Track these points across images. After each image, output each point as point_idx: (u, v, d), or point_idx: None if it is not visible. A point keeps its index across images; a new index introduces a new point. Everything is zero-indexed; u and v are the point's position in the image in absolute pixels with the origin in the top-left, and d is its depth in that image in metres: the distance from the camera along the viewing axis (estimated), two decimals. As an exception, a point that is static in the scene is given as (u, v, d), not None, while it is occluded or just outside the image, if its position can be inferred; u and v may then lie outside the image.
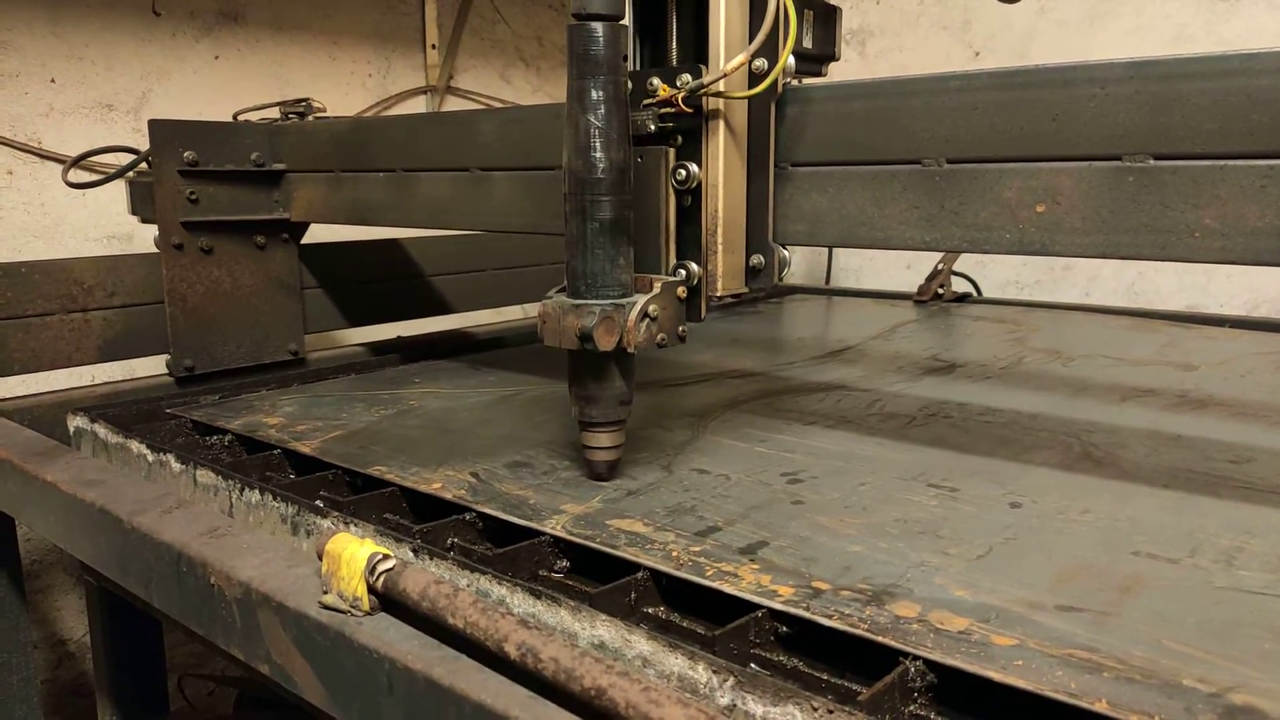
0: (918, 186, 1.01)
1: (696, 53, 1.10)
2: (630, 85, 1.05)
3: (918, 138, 1.01)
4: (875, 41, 3.30)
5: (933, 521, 0.98)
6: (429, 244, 2.08)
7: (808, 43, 1.19)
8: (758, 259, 1.14)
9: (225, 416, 1.43)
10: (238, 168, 1.65)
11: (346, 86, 2.56)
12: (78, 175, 1.74)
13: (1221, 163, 0.85)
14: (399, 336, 2.05)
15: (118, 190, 2.12)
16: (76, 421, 1.47)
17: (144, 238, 2.20)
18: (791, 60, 1.07)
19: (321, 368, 1.82)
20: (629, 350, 1.03)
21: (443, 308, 2.16)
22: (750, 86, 1.07)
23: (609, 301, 1.02)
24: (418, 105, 2.73)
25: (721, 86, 1.05)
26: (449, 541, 1.01)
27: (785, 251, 1.15)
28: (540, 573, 0.94)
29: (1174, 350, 1.85)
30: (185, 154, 1.60)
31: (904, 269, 3.11)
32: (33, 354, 1.55)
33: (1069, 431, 1.31)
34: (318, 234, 1.82)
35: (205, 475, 1.20)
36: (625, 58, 1.02)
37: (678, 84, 1.05)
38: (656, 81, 1.06)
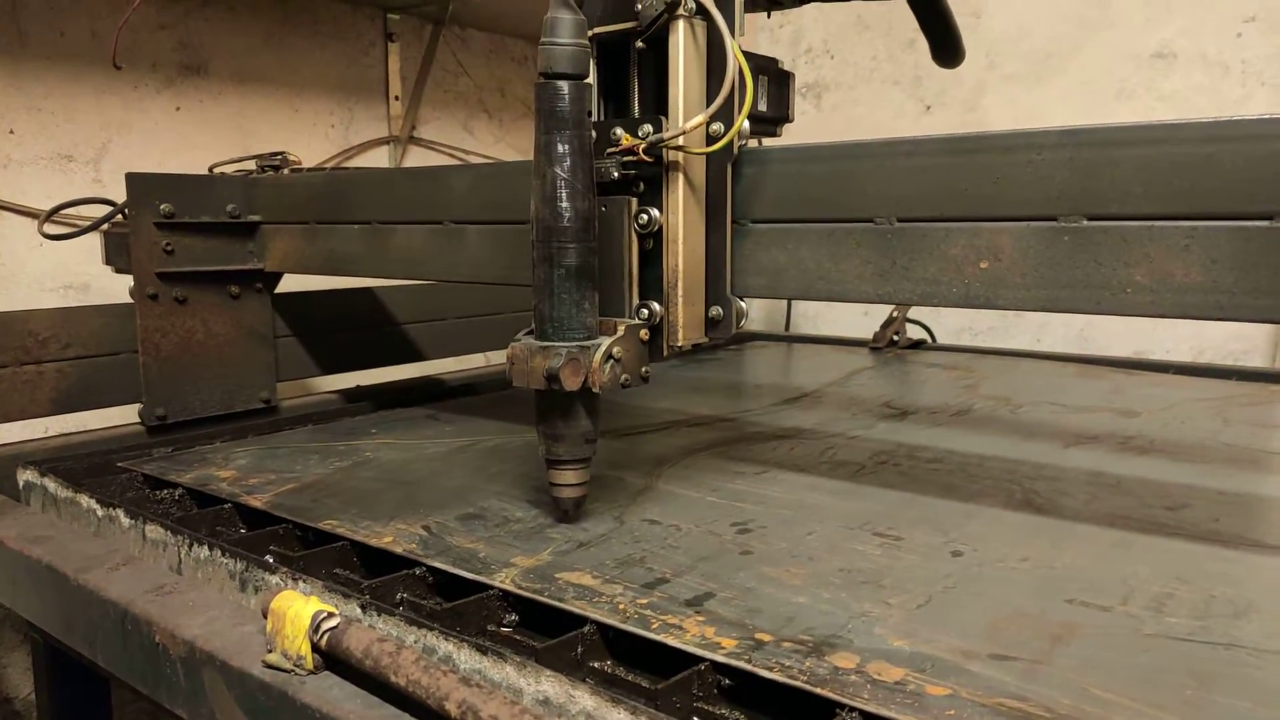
0: (871, 244, 1.06)
1: (657, 108, 1.15)
2: (595, 135, 1.10)
3: (871, 198, 1.06)
4: (831, 95, 3.39)
5: (876, 571, 1.00)
6: (397, 292, 2.09)
7: (763, 106, 1.25)
8: (716, 310, 1.19)
9: (177, 470, 1.42)
10: (213, 219, 1.67)
11: (309, 137, 2.58)
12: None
13: (1149, 223, 0.91)
14: (357, 385, 2.05)
15: (76, 241, 2.12)
16: (26, 475, 1.46)
17: (101, 288, 2.20)
18: (746, 124, 1.12)
19: (292, 416, 1.82)
20: (594, 390, 1.07)
21: (413, 355, 2.17)
22: (708, 145, 1.12)
23: (575, 344, 1.07)
24: (380, 155, 2.75)
25: (681, 141, 1.10)
26: (398, 596, 1.02)
27: (743, 303, 1.20)
28: (489, 627, 0.95)
29: (1119, 397, 1.90)
30: (162, 206, 1.62)
31: (861, 315, 3.17)
32: (-16, 407, 1.54)
33: (1013, 478, 1.34)
34: (289, 283, 1.83)
35: (154, 530, 1.19)
36: (590, 114, 1.08)
37: (640, 134, 1.10)
38: (620, 131, 1.12)
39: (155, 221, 1.61)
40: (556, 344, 1.07)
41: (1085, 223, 0.94)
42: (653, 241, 1.14)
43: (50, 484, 1.39)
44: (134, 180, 1.61)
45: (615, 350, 1.09)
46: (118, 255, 1.72)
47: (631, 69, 1.17)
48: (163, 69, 2.27)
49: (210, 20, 2.33)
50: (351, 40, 2.65)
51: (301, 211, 1.66)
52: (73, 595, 1.02)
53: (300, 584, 1.00)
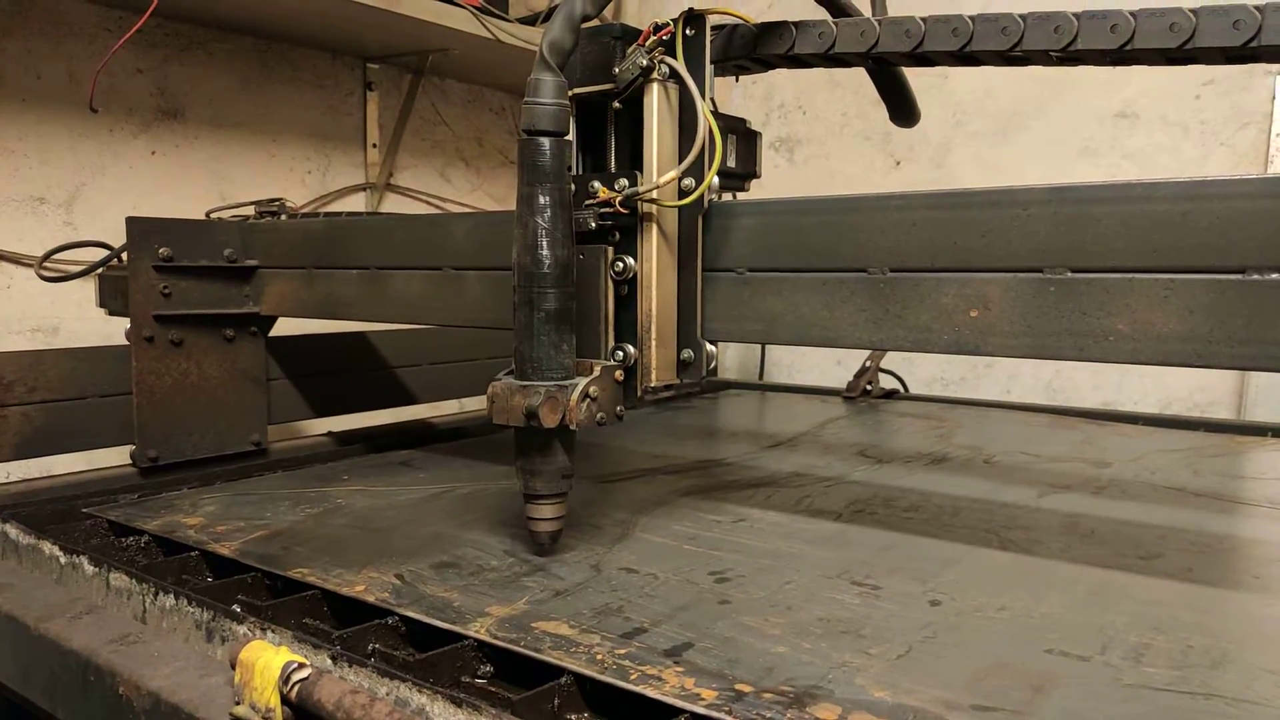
0: (865, 292, 1.11)
1: (633, 163, 1.21)
2: (574, 187, 1.16)
3: (865, 249, 1.11)
4: (803, 149, 3.45)
5: (855, 620, 1.00)
6: (387, 337, 2.10)
7: (732, 162, 1.32)
8: (688, 353, 1.24)
9: (143, 516, 1.39)
10: (211, 263, 1.69)
11: (285, 182, 2.58)
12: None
13: (1130, 276, 0.95)
14: (328, 432, 2.03)
15: (40, 283, 2.10)
16: (-14, 521, 1.42)
17: (71, 331, 2.17)
18: (716, 180, 1.18)
19: (282, 459, 1.82)
20: (571, 427, 1.12)
21: (404, 399, 2.19)
22: (681, 198, 1.18)
23: (553, 383, 1.12)
24: (357, 201, 2.76)
25: (655, 195, 1.16)
26: (370, 647, 0.99)
27: (713, 347, 1.25)
28: (463, 679, 0.93)
29: (1089, 447, 1.92)
30: (160, 250, 1.63)
31: (834, 364, 3.19)
32: (-56, 452, 1.50)
33: (989, 527, 1.35)
34: (282, 326, 1.84)
35: (118, 578, 1.16)
36: (569, 168, 1.13)
37: (616, 187, 1.16)
38: (597, 184, 1.18)
39: (154, 265, 1.63)
40: (535, 383, 1.11)
41: (1070, 274, 0.98)
42: (628, 288, 1.20)
43: (11, 530, 1.36)
44: (134, 224, 1.62)
45: (592, 390, 1.14)
46: (111, 298, 1.74)
47: (609, 127, 1.23)
48: (139, 113, 2.27)
49: (188, 65, 2.34)
50: (330, 88, 2.66)
51: (299, 256, 1.68)
52: (32, 645, 0.99)
53: (269, 634, 0.97)
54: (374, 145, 2.78)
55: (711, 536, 1.30)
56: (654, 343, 1.20)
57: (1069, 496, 1.53)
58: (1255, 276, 0.91)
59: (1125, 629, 0.97)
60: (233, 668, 0.81)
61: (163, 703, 0.83)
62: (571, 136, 1.19)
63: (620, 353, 1.20)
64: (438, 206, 2.96)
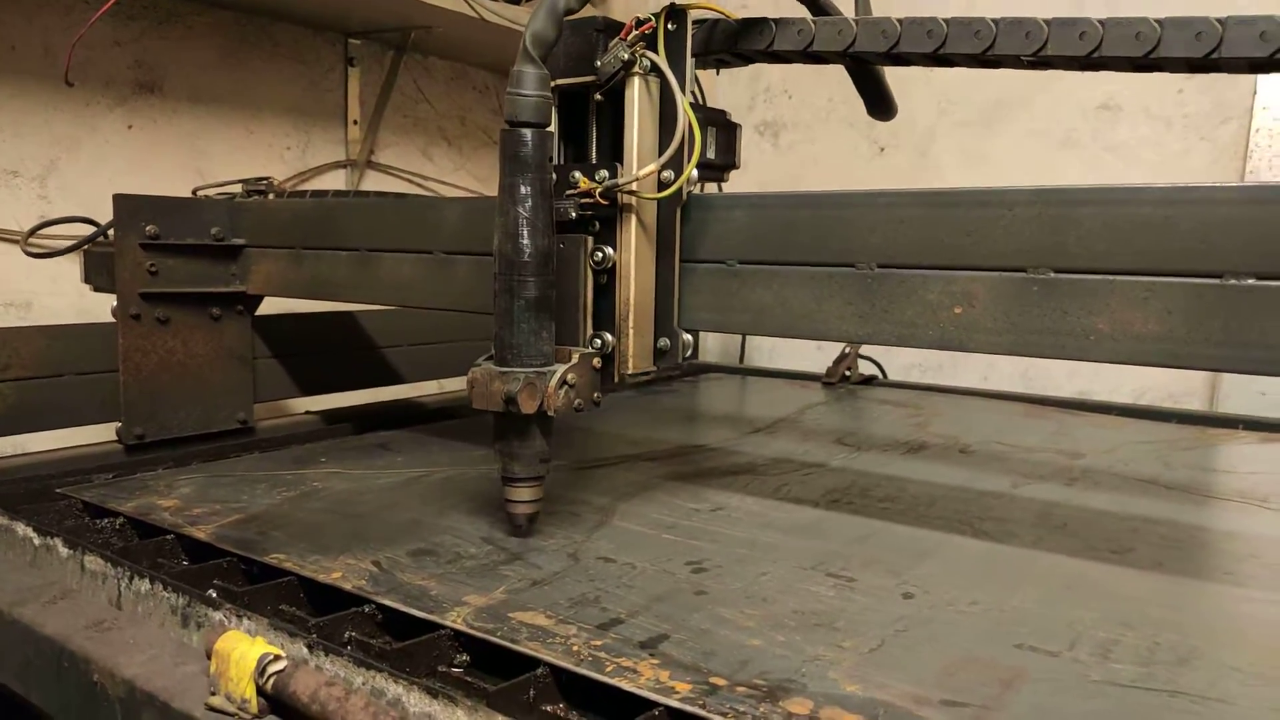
0: (853, 287, 1.12)
1: (613, 154, 1.22)
2: (555, 177, 1.17)
3: (853, 245, 1.12)
4: (787, 134, 3.44)
5: (829, 613, 1.01)
6: (375, 317, 2.10)
7: (712, 154, 1.35)
8: (664, 341, 1.26)
9: (118, 498, 1.38)
10: (198, 241, 1.68)
11: (265, 159, 2.55)
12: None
13: (1111, 277, 0.97)
14: (305, 412, 2.02)
15: (16, 257, 2.08)
16: (-43, 501, 1.41)
17: (44, 306, 2.14)
18: (695, 172, 1.19)
19: (267, 439, 1.83)
20: (549, 413, 1.15)
21: (390, 378, 2.20)
22: (660, 190, 1.18)
23: (532, 369, 1.14)
24: (337, 179, 2.73)
25: (634, 187, 1.17)
26: (346, 635, 0.99)
27: (689, 335, 1.27)
28: (439, 668, 0.93)
29: (1064, 438, 1.94)
30: (147, 228, 1.62)
31: (815, 349, 3.20)
32: (-84, 430, 1.48)
33: (963, 518, 1.36)
34: (268, 305, 1.84)
35: (93, 561, 1.16)
36: (551, 158, 1.14)
37: (596, 178, 1.17)
38: (578, 174, 1.19)
39: (141, 242, 1.62)
40: (515, 370, 1.13)
41: (1053, 274, 1.01)
42: (607, 277, 1.22)
43: (-17, 511, 1.35)
44: (121, 201, 1.61)
45: (570, 376, 1.16)
46: (97, 274, 1.74)
47: (590, 118, 1.25)
48: (116, 86, 2.23)
49: (167, 39, 2.30)
50: (311, 64, 2.63)
51: (287, 236, 1.68)
52: (5, 631, 0.99)
53: (245, 620, 0.97)
54: (355, 122, 2.75)
55: (689, 525, 1.30)
56: (631, 331, 1.22)
57: (1043, 487, 1.55)
58: (1233, 281, 0.93)
59: (1094, 625, 0.99)
60: (208, 657, 0.81)
61: (137, 690, 0.83)
62: (554, 126, 1.19)
63: (599, 340, 1.22)
64: (420, 185, 2.93)
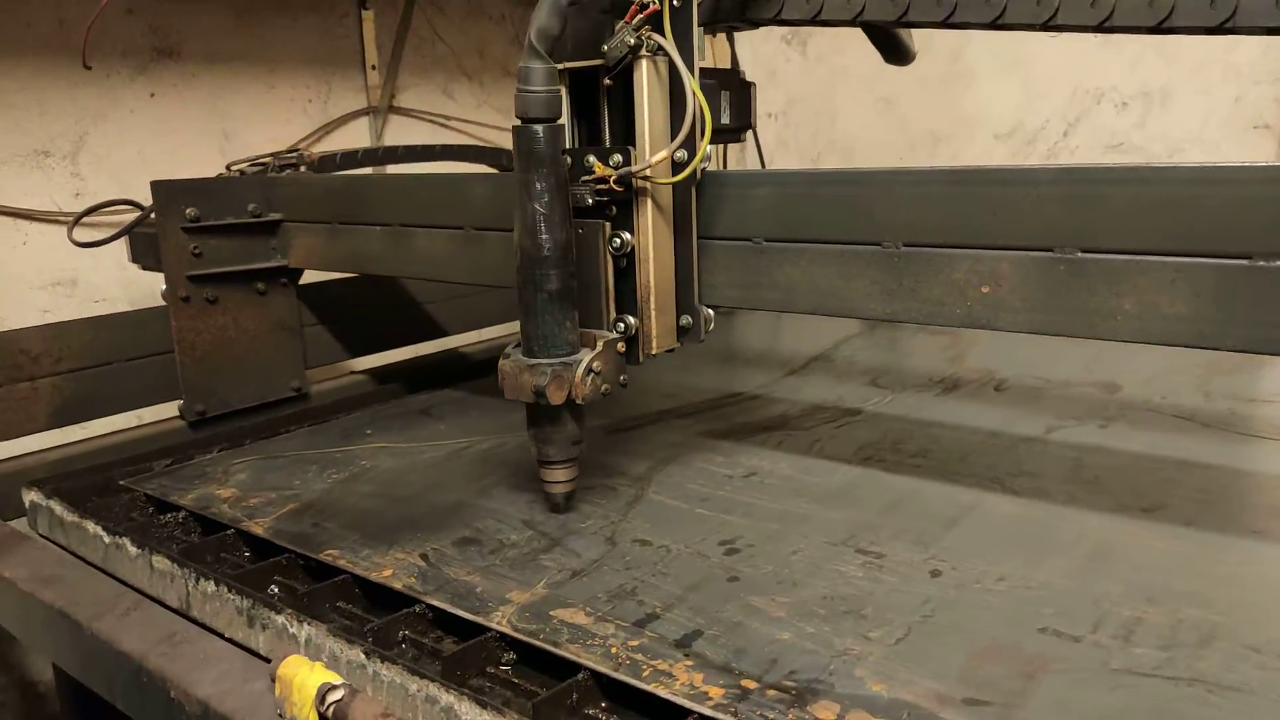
0: (879, 265, 1.14)
1: (626, 136, 1.22)
2: (570, 161, 1.19)
3: (879, 223, 1.13)
4: (816, 43, 3.33)
5: (858, 598, 1.04)
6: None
7: (725, 119, 1.33)
8: (686, 319, 1.30)
9: (178, 489, 1.45)
10: (236, 220, 1.75)
11: (287, 114, 2.54)
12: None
13: (1138, 258, 0.97)
14: (354, 372, 2.08)
15: (59, 236, 2.12)
16: (31, 495, 1.49)
17: (89, 282, 2.20)
18: (710, 148, 1.19)
19: (320, 405, 1.91)
20: (578, 402, 1.19)
21: (435, 332, 2.28)
22: (673, 174, 1.19)
23: (559, 360, 1.18)
24: (360, 128, 2.72)
25: (648, 173, 1.17)
26: (400, 634, 1.06)
27: (709, 311, 1.30)
28: (488, 669, 0.99)
29: (1100, 367, 1.93)
30: (187, 211, 1.69)
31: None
32: (-17, 428, 1.56)
33: (994, 474, 1.38)
34: (311, 273, 1.91)
35: (161, 562, 1.23)
36: (563, 150, 1.16)
37: (611, 163, 1.18)
38: (592, 159, 1.19)
39: (183, 226, 1.69)
40: (542, 361, 1.18)
41: (1079, 254, 1.01)
42: (626, 260, 1.23)
43: (56, 506, 1.43)
44: (159, 187, 1.67)
45: (595, 364, 1.20)
46: (143, 254, 1.82)
47: (601, 100, 1.24)
48: (134, 55, 2.23)
49: (179, 2, 2.28)
50: (324, 11, 2.59)
51: (322, 211, 1.74)
52: (87, 643, 1.06)
53: (305, 627, 1.04)
54: (373, 67, 2.72)
55: (723, 496, 1.34)
56: (654, 312, 1.25)
57: (1077, 431, 1.55)
58: (1261, 263, 0.92)
59: (1119, 601, 1.01)
60: (273, 681, 0.87)
61: (212, 711, 0.90)
62: (565, 107, 1.20)
63: (621, 324, 1.24)
64: (442, 125, 2.91)
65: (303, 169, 1.88)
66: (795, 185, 1.21)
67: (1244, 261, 0.92)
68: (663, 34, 1.15)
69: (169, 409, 1.79)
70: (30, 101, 2.08)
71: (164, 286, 1.71)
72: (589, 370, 1.19)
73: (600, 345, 1.21)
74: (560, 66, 1.16)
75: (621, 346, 1.24)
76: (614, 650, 0.95)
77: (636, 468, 1.47)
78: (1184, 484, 1.33)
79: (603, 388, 1.21)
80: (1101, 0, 0.97)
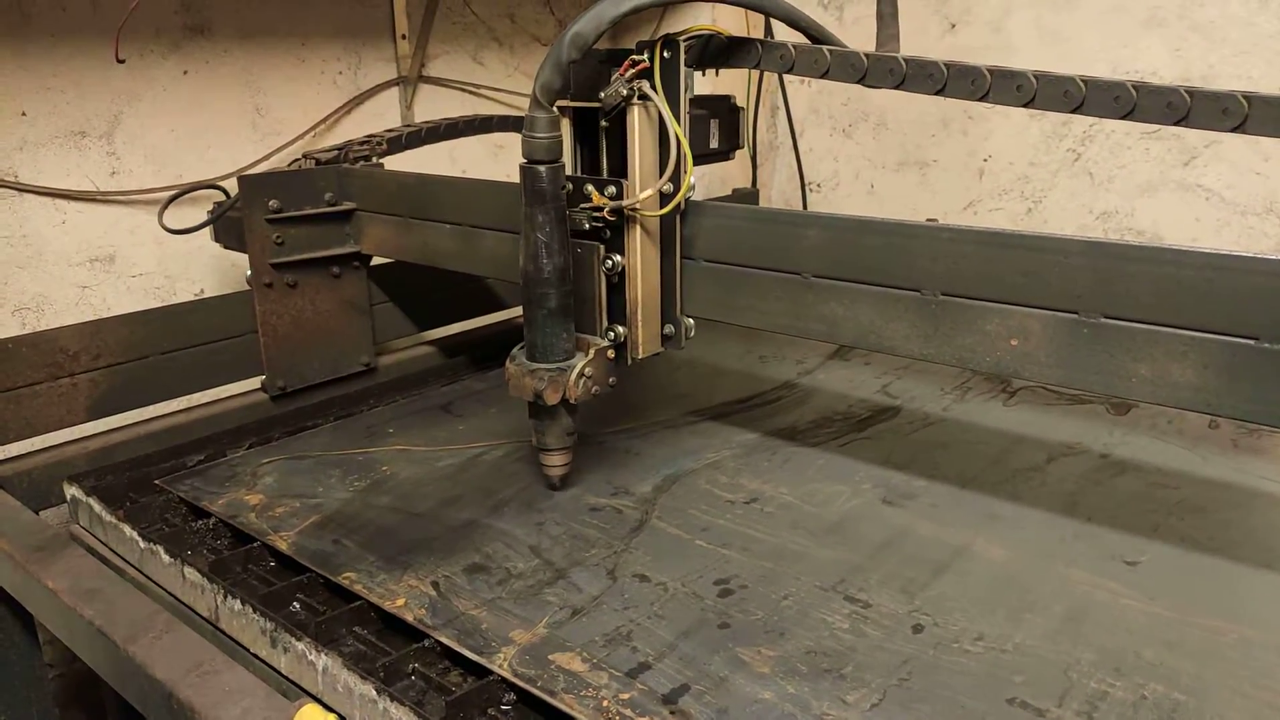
0: (917, 310, 1.24)
1: (620, 169, 1.37)
2: (570, 187, 1.35)
3: (919, 272, 1.22)
4: (853, 8, 3.26)
5: (841, 654, 1.10)
6: None
7: (714, 143, 1.58)
8: (669, 328, 1.48)
9: (209, 493, 1.53)
10: (314, 209, 1.87)
11: (318, 86, 2.56)
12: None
13: (1155, 328, 1.06)
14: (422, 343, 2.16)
15: (96, 214, 2.19)
16: (73, 490, 1.58)
17: (127, 257, 2.26)
18: (693, 180, 1.39)
19: (387, 379, 2.09)
20: (571, 402, 1.39)
21: (495, 305, 2.42)
22: (660, 205, 1.37)
23: (555, 366, 1.37)
24: (391, 99, 2.73)
25: (638, 205, 1.34)
26: (410, 668, 1.13)
27: (689, 321, 1.48)
28: (489, 710, 1.07)
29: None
30: (270, 203, 1.81)
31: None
32: (26, 423, 1.64)
33: (989, 512, 1.42)
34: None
35: (193, 573, 1.32)
36: (565, 182, 1.30)
37: (606, 194, 1.34)
38: (590, 188, 1.35)
39: (266, 218, 1.81)
40: (541, 367, 1.37)
41: (1102, 319, 1.09)
42: (618, 278, 1.42)
43: (95, 505, 1.52)
44: (245, 181, 1.82)
45: (587, 370, 1.39)
46: (226, 235, 1.95)
47: (600, 137, 1.40)
48: (166, 34, 2.25)
49: (209, -22, 2.29)
50: (354, -19, 2.58)
51: (394, 204, 1.86)
52: (123, 663, 1.15)
53: (323, 656, 1.12)
54: (403, 37, 2.71)
55: (723, 526, 1.40)
56: (641, 322, 1.43)
57: (1077, 463, 1.58)
58: (1266, 345, 0.99)
59: (1088, 671, 1.06)
60: (291, 727, 0.95)
61: (236, 749, 0.99)
62: (568, 140, 1.39)
63: (612, 333, 1.43)
64: (473, 93, 2.91)
65: (374, 161, 2.00)
66: (846, 230, 1.29)
67: (1251, 341, 1.00)
68: (653, 86, 1.30)
69: (200, 397, 1.87)
70: (67, 84, 2.12)
71: (249, 272, 1.85)
72: (581, 375, 1.38)
73: (592, 352, 1.39)
74: (565, 104, 1.32)
75: (611, 353, 1.42)
76: (605, 704, 1.02)
77: (643, 487, 1.52)
78: (1172, 530, 1.36)
79: (593, 389, 1.40)
80: (1072, 92, 1.11)
